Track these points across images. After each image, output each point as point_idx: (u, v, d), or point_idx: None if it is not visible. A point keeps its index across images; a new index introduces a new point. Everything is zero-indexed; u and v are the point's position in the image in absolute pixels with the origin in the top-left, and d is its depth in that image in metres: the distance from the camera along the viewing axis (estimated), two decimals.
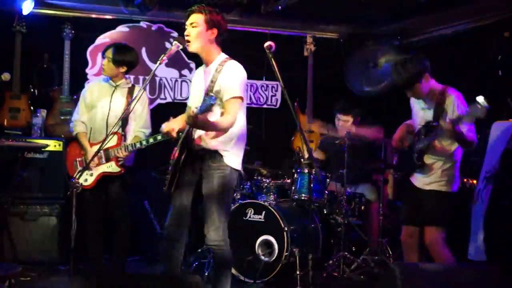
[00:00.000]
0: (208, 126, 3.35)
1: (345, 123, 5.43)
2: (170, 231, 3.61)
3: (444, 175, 3.90)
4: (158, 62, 3.48)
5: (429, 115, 3.95)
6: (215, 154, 3.53)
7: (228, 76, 3.49)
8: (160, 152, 4.63)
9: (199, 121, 3.23)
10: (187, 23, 3.55)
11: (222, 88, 3.46)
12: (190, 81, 3.96)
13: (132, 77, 5.92)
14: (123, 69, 4.51)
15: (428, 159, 3.93)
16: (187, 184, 3.61)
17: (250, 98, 6.35)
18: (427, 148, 3.93)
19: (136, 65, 4.69)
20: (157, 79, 6.04)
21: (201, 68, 3.74)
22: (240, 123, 3.56)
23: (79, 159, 4.52)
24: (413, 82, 3.89)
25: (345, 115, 5.42)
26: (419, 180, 3.97)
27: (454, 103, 3.83)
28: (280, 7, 5.29)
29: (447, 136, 3.83)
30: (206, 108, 3.16)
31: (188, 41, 3.52)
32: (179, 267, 3.67)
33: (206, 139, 3.51)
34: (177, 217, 3.61)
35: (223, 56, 3.62)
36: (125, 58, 4.49)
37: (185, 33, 3.54)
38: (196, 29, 3.51)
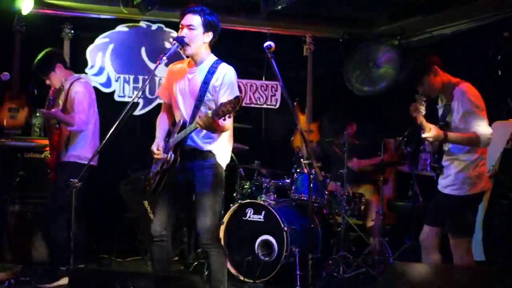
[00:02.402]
0: (216, 129, 3.35)
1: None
2: (156, 232, 3.59)
3: (458, 178, 3.67)
4: (158, 62, 3.47)
5: (440, 114, 3.80)
6: (208, 154, 3.54)
7: (225, 79, 3.47)
8: None
9: (214, 124, 3.22)
10: (184, 23, 3.49)
11: (219, 90, 3.44)
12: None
13: (131, 76, 5.94)
14: (59, 70, 4.63)
15: (444, 161, 3.76)
16: (178, 185, 3.61)
17: (250, 98, 6.35)
18: (440, 149, 3.78)
19: (61, 55, 4.83)
20: (157, 79, 6.03)
21: (184, 66, 3.67)
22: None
23: None
24: (414, 80, 3.75)
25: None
26: (439, 183, 3.82)
27: (459, 100, 3.62)
28: (280, 7, 5.29)
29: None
30: (223, 113, 3.14)
31: (185, 43, 3.47)
32: (168, 267, 3.68)
33: (199, 140, 3.52)
34: (163, 218, 3.60)
35: (213, 57, 3.60)
36: (47, 64, 4.61)
37: (181, 33, 3.49)
38: (193, 31, 3.47)
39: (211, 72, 3.50)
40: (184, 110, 3.58)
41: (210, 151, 3.54)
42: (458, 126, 3.64)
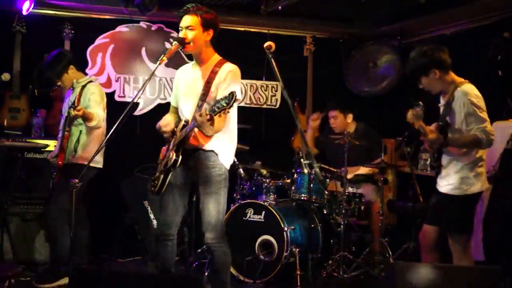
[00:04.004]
0: (213, 128, 3.35)
1: (334, 119, 5.44)
2: (161, 232, 3.61)
3: (456, 177, 3.68)
4: (158, 62, 3.47)
5: (441, 113, 3.78)
6: (210, 154, 3.55)
7: (228, 78, 3.48)
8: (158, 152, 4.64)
9: (210, 121, 3.22)
10: (182, 25, 3.51)
11: (221, 90, 3.45)
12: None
13: (132, 77, 5.94)
14: (72, 71, 4.62)
15: (443, 160, 3.76)
16: (181, 184, 3.62)
17: (250, 98, 6.35)
18: (440, 149, 3.76)
19: (72, 56, 4.75)
20: (157, 79, 6.04)
21: (189, 67, 3.71)
22: (234, 123, 3.60)
23: None
24: (418, 74, 3.73)
25: (331, 110, 5.44)
26: (438, 182, 3.82)
27: (460, 101, 3.62)
28: (280, 7, 5.29)
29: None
30: (219, 109, 3.14)
31: (186, 43, 3.50)
32: (172, 266, 3.69)
33: (201, 139, 3.53)
34: (168, 218, 3.61)
35: (218, 57, 3.62)
36: (60, 65, 4.58)
37: (181, 35, 3.50)
38: (193, 32, 3.48)
39: (215, 71, 3.51)
40: (186, 109, 3.59)
41: (212, 151, 3.55)
42: (460, 128, 3.64)
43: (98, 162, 4.60)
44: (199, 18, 3.48)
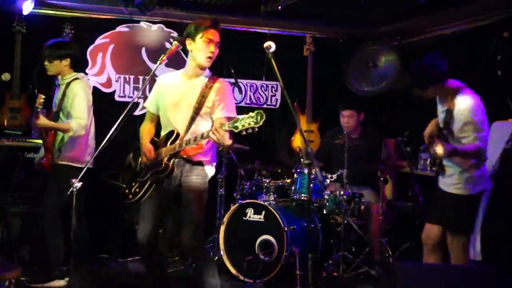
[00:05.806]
0: (228, 142, 3.36)
1: (349, 118, 5.42)
2: (142, 238, 3.62)
3: (462, 177, 3.70)
4: (158, 62, 3.47)
5: (442, 119, 3.79)
6: (197, 164, 3.60)
7: (224, 96, 3.53)
8: None
9: (226, 137, 3.26)
10: (214, 39, 3.50)
11: (217, 105, 3.50)
12: None
13: (132, 76, 5.94)
14: (64, 64, 4.54)
15: (447, 161, 3.77)
16: (165, 192, 3.63)
17: (250, 98, 6.35)
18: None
19: (78, 56, 4.70)
20: (157, 79, 6.02)
21: (177, 76, 3.71)
22: None
23: None
24: (426, 85, 3.74)
25: (347, 109, 5.42)
26: (441, 181, 3.83)
27: (460, 109, 3.63)
28: (280, 7, 5.29)
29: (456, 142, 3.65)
30: (245, 128, 3.14)
31: (210, 58, 3.52)
32: (158, 267, 3.73)
33: (191, 151, 3.56)
34: (146, 225, 3.63)
35: (207, 71, 3.65)
36: (61, 52, 4.53)
37: (211, 49, 3.48)
38: (218, 49, 3.53)
39: (209, 86, 3.54)
40: (178, 121, 3.60)
41: (199, 162, 3.61)
42: (458, 136, 3.66)
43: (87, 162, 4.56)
44: (220, 35, 3.53)
